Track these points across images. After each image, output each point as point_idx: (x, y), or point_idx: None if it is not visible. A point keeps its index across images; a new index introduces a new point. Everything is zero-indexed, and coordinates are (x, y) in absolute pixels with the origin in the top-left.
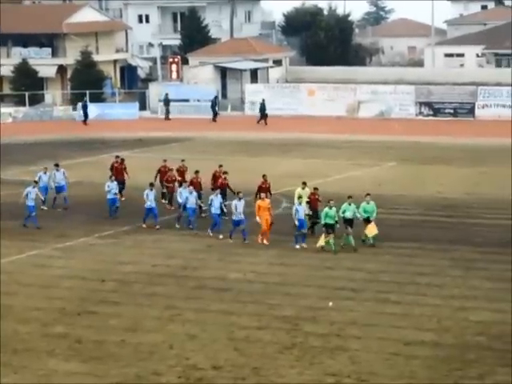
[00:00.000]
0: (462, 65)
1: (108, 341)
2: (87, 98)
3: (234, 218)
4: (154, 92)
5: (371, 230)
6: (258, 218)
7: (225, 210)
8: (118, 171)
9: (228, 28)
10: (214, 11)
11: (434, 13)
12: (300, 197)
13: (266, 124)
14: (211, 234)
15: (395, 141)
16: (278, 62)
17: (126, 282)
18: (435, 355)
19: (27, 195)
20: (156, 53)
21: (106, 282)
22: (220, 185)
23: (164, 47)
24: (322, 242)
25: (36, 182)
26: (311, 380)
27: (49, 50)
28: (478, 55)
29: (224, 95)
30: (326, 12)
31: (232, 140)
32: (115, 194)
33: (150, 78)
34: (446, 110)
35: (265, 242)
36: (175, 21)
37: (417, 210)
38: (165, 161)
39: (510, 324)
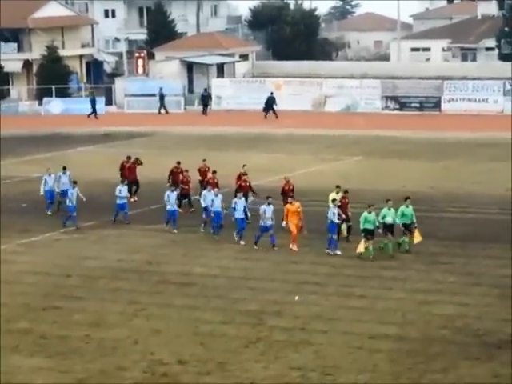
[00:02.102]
0: (427, 59)
1: (72, 336)
2: (94, 91)
3: (261, 223)
4: (120, 87)
5: (417, 237)
6: (284, 223)
7: (248, 214)
8: (131, 171)
9: (194, 23)
10: (179, 6)
11: (400, 7)
12: (334, 200)
13: (267, 117)
14: (236, 239)
15: (361, 135)
16: (244, 57)
17: (90, 277)
18: (399, 349)
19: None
20: (122, 47)
21: (70, 277)
22: (240, 187)
23: (130, 42)
24: (361, 248)
25: (75, 183)
26: (276, 374)
27: (14, 44)
28: (443, 49)
29: (190, 90)
30: (292, 6)
31: (198, 135)
32: (126, 197)
33: (116, 73)
34: (412, 104)
35: (294, 247)
36: (141, 15)
37: (381, 204)
38: (178, 163)
39: (473, 317)
